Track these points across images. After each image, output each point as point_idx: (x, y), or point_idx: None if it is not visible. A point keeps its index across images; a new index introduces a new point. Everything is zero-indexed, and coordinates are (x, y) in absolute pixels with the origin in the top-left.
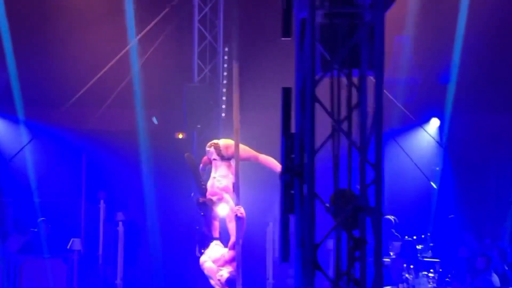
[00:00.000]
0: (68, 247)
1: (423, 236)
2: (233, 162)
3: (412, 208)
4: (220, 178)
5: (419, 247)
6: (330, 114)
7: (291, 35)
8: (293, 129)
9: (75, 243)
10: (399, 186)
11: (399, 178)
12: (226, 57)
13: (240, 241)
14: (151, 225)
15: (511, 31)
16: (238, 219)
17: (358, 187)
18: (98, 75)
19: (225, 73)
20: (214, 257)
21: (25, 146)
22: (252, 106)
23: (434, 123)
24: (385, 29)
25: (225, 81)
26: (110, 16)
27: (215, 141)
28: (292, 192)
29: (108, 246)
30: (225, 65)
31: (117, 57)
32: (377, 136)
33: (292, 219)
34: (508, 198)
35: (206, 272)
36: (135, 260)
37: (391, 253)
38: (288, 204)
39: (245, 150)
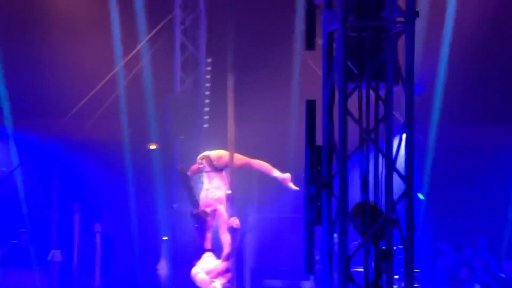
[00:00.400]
0: (48, 259)
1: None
2: (226, 173)
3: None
4: (213, 189)
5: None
6: (361, 126)
7: (315, 48)
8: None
9: (56, 255)
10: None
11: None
12: (209, 68)
13: (235, 252)
14: (129, 236)
15: (494, 42)
16: (233, 230)
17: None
18: (97, 88)
19: (207, 84)
20: (207, 269)
21: (16, 167)
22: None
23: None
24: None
25: (207, 92)
26: (99, 27)
27: (206, 153)
28: (318, 204)
29: (84, 257)
30: (208, 76)
31: (110, 74)
32: (408, 149)
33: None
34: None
35: (198, 283)
36: (112, 271)
37: None
38: (314, 215)
39: (236, 157)
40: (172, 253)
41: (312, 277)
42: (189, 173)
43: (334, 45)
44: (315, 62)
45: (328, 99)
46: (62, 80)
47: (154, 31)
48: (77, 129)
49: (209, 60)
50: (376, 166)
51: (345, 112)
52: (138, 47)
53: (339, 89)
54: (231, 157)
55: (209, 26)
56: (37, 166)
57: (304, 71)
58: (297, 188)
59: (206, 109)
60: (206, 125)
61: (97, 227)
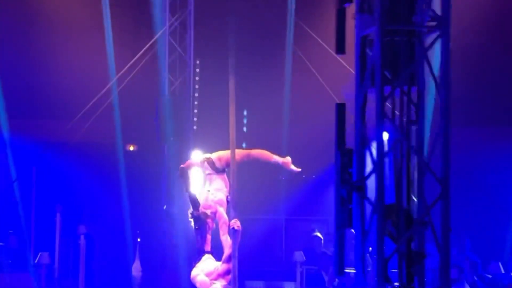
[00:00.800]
0: (36, 261)
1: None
2: (227, 175)
3: None
4: (214, 191)
5: None
6: (397, 129)
7: (345, 51)
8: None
9: (43, 257)
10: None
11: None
12: (197, 70)
13: (236, 254)
14: (113, 238)
15: (481, 45)
16: (234, 232)
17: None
18: (103, 91)
19: (196, 86)
20: (207, 270)
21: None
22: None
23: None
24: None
25: (196, 94)
26: (90, 28)
27: (207, 155)
28: (350, 206)
29: (68, 259)
30: (197, 78)
31: (107, 87)
32: (444, 151)
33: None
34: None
35: (198, 285)
36: (96, 273)
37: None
38: (346, 218)
39: (237, 152)
40: (148, 255)
41: (297, 279)
42: (183, 166)
43: (367, 50)
44: (306, 56)
45: (361, 102)
46: (48, 81)
47: (152, 40)
48: (60, 131)
49: (198, 62)
50: (408, 168)
51: (382, 115)
52: (137, 55)
53: (376, 93)
54: (233, 159)
55: (196, 28)
56: (18, 167)
57: (297, 66)
58: (299, 169)
59: (195, 111)
60: (195, 127)
61: (81, 229)
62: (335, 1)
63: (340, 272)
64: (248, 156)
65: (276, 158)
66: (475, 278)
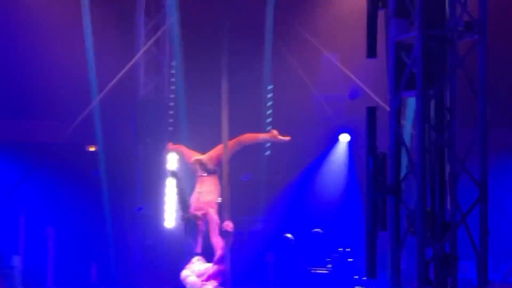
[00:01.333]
0: (10, 264)
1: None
2: (218, 177)
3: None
4: (205, 193)
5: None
6: (436, 131)
7: (376, 55)
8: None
9: (15, 260)
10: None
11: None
12: (173, 72)
13: (229, 256)
14: (79, 238)
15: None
16: (227, 233)
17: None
18: (103, 93)
19: (172, 87)
20: (198, 272)
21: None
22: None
23: (344, 138)
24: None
25: (172, 96)
26: (69, 26)
27: (197, 157)
28: (383, 210)
29: (36, 261)
30: (172, 80)
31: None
32: (482, 155)
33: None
34: None
35: (188, 286)
36: (64, 274)
37: (329, 265)
38: (378, 221)
39: (227, 144)
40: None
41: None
42: (168, 147)
43: (402, 54)
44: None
45: (397, 106)
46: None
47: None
48: (25, 131)
49: (173, 63)
50: (442, 172)
51: (424, 119)
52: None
53: (417, 97)
54: (225, 162)
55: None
56: None
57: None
58: (288, 138)
59: (171, 112)
60: (170, 128)
61: (49, 230)
62: (367, 5)
63: (371, 275)
64: (238, 143)
65: (263, 135)
66: None
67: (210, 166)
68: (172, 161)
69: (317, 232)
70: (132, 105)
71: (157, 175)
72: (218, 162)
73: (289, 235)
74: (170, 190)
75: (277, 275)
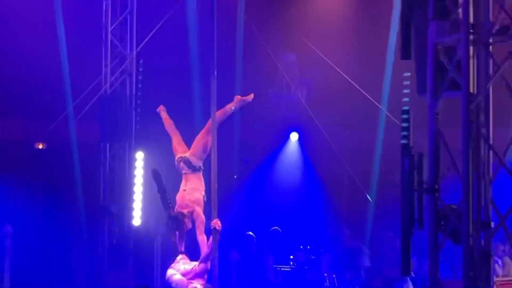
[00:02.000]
0: None
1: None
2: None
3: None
4: (191, 191)
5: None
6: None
7: (411, 57)
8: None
9: None
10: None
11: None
12: (140, 69)
13: (217, 254)
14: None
15: None
16: (215, 231)
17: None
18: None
19: (140, 85)
20: (183, 270)
21: None
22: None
23: (293, 137)
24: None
25: (139, 93)
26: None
27: (181, 155)
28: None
29: None
30: (140, 77)
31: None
32: None
33: None
34: None
35: (174, 285)
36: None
37: (291, 263)
38: (414, 220)
39: (201, 133)
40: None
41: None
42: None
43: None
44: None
45: (435, 108)
46: None
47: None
48: None
49: (141, 61)
50: (479, 172)
51: (469, 120)
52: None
53: (463, 97)
54: (214, 161)
55: (139, 26)
56: None
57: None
58: (251, 96)
59: (138, 110)
60: (137, 126)
61: (8, 228)
62: (401, 7)
63: (406, 272)
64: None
65: (229, 105)
66: (413, 275)
67: (195, 162)
68: (139, 159)
69: (275, 230)
70: (98, 102)
71: (123, 173)
72: (203, 153)
73: (251, 233)
74: (138, 188)
75: (241, 273)
